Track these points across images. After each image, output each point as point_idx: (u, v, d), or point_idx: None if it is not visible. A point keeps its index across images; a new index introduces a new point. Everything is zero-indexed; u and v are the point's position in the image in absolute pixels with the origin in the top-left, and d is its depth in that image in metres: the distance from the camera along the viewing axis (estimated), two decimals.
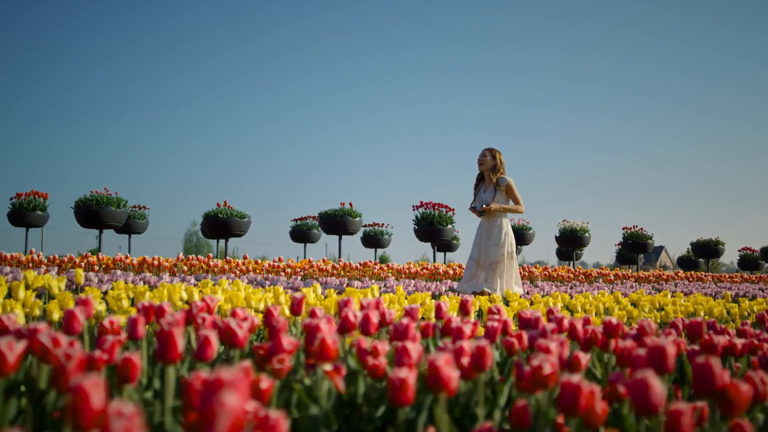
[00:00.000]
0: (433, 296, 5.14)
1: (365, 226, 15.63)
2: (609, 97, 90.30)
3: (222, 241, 13.93)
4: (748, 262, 18.30)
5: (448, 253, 16.28)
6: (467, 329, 1.59)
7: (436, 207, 11.44)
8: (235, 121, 76.28)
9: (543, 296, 4.72)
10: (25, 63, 67.47)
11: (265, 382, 1.12)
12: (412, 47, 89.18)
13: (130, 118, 70.05)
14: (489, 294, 4.71)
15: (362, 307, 1.80)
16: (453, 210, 11.64)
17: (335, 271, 7.53)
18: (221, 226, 9.62)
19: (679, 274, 11.47)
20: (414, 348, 1.25)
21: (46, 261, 7.25)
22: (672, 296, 4.83)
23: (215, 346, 1.28)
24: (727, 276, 10.86)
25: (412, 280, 6.49)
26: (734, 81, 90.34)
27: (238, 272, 6.98)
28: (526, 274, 9.50)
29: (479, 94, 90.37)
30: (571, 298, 4.10)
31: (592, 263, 51.78)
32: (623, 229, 14.19)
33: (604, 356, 1.80)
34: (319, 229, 12.01)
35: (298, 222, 14.77)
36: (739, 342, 1.72)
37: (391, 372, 1.13)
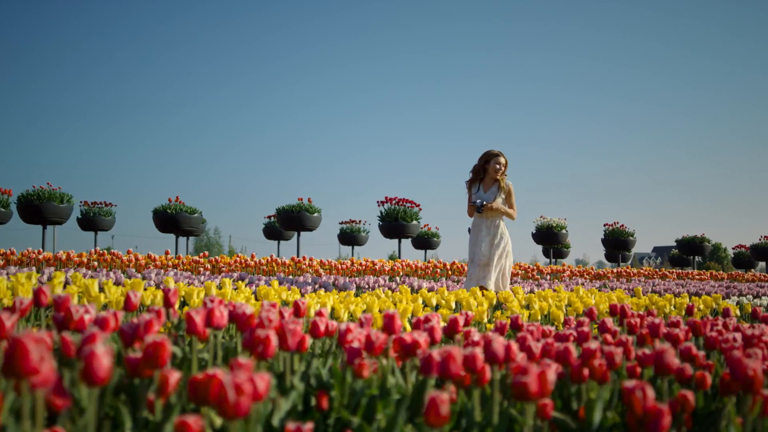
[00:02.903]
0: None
1: (342, 223, 15.31)
2: (602, 100, 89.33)
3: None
4: (742, 260, 17.77)
5: (429, 251, 15.84)
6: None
7: (402, 203, 11.09)
8: (237, 120, 76.20)
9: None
10: (25, 63, 67.73)
11: None
12: (406, 52, 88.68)
13: (130, 118, 70.08)
14: (485, 289, 4.81)
15: None
16: (419, 206, 11.28)
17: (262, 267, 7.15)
18: (170, 221, 9.31)
19: (670, 272, 11.04)
20: None
21: None
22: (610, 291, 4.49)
23: None
24: (695, 273, 10.42)
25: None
26: (730, 83, 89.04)
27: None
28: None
29: (467, 97, 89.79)
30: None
31: (595, 261, 51.11)
32: (604, 225, 13.76)
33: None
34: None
35: (272, 219, 14.48)
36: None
37: None
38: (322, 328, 1.70)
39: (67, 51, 70.26)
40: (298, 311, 2.05)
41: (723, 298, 6.71)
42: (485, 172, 5.32)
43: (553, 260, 16.19)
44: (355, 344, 1.41)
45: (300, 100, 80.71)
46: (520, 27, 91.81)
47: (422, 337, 1.45)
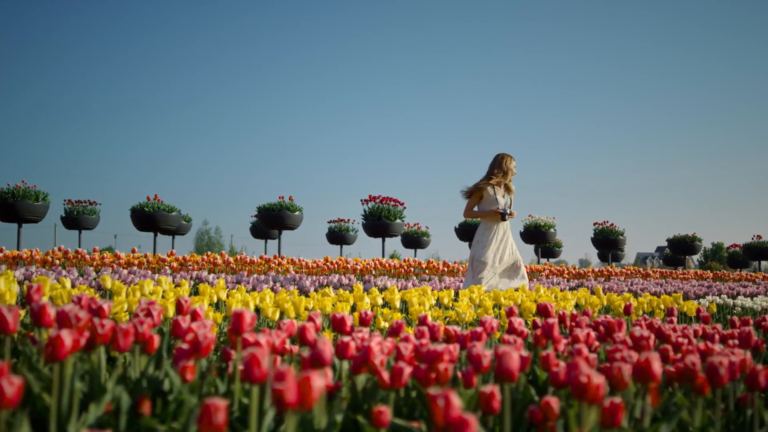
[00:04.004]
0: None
1: (331, 222, 15.20)
2: (602, 101, 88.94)
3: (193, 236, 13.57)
4: (737, 259, 17.59)
5: (419, 251, 15.70)
6: None
7: (386, 201, 10.96)
8: (237, 121, 76.11)
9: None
10: (25, 63, 67.77)
11: None
12: (408, 53, 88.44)
13: (130, 118, 70.02)
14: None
15: None
16: (404, 204, 11.16)
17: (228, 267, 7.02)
18: (148, 219, 9.20)
19: (654, 272, 10.89)
20: None
21: None
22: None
23: None
24: (679, 273, 10.26)
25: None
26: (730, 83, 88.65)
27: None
28: None
29: (457, 98, 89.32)
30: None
31: (596, 262, 50.83)
32: (594, 224, 13.61)
33: None
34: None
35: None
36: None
37: None
38: (184, 326, 1.59)
39: (62, 52, 70.28)
40: (180, 310, 1.94)
41: (698, 298, 6.58)
42: (504, 176, 5.28)
43: (546, 260, 16.06)
44: (185, 346, 1.30)
45: (300, 100, 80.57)
46: (507, 28, 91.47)
47: (263, 339, 1.33)
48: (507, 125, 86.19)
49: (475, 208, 5.36)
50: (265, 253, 12.92)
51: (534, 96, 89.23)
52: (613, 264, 13.94)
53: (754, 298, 5.88)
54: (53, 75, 68.48)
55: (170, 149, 71.06)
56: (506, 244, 5.25)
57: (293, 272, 6.74)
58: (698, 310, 2.80)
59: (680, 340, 1.93)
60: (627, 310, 2.71)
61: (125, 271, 4.73)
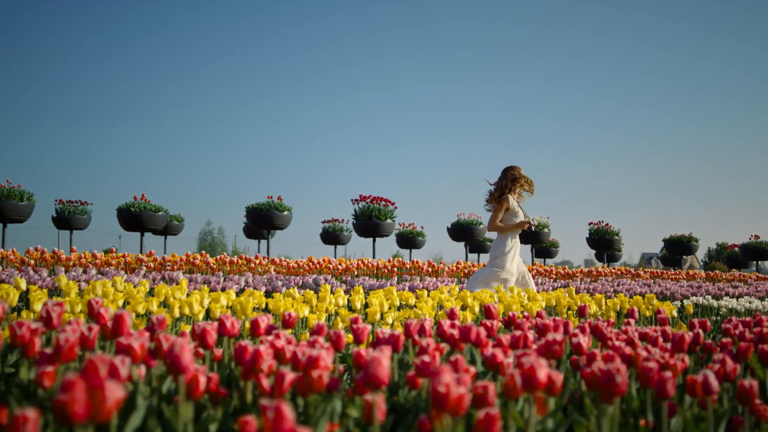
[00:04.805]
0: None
1: (325, 222, 15.12)
2: (601, 102, 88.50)
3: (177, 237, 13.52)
4: (735, 259, 17.43)
5: (414, 251, 15.58)
6: None
7: (377, 201, 10.88)
8: (242, 119, 76.17)
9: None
10: (25, 63, 67.88)
11: None
12: (402, 54, 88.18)
13: (130, 117, 70.06)
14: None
15: None
16: (394, 204, 11.08)
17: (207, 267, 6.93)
18: (134, 219, 9.14)
19: (645, 272, 10.76)
20: None
21: None
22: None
23: None
24: (670, 273, 10.13)
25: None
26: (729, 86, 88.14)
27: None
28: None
29: (451, 99, 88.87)
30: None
31: (591, 263, 50.61)
32: (589, 224, 13.48)
33: None
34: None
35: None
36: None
37: None
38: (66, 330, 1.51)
39: (62, 51, 70.45)
40: (91, 311, 1.86)
41: (685, 298, 6.47)
42: (521, 186, 5.31)
43: (542, 260, 15.94)
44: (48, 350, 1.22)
45: (299, 100, 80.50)
46: (497, 29, 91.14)
47: (137, 343, 1.25)
48: (502, 126, 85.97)
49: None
50: (259, 253, 12.87)
51: (530, 96, 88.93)
52: (604, 264, 13.80)
53: (739, 299, 5.77)
54: (52, 76, 68.67)
55: (171, 149, 71.14)
56: (518, 255, 5.32)
57: (273, 272, 6.67)
58: (657, 311, 2.69)
59: (617, 343, 1.85)
60: (581, 312, 2.62)
61: (94, 271, 4.66)
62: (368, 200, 10.90)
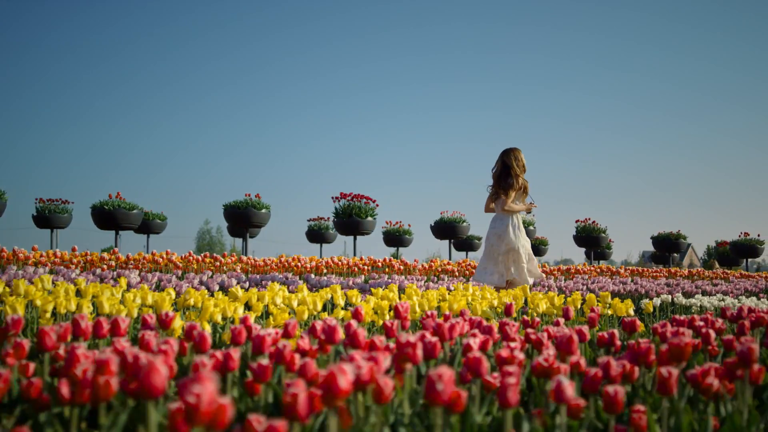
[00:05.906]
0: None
1: (310, 220, 15.00)
2: (602, 103, 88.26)
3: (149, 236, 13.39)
4: (726, 257, 17.28)
5: (402, 248, 15.44)
6: None
7: (357, 198, 10.75)
8: (242, 119, 75.99)
9: None
10: (25, 63, 67.72)
11: None
12: (391, 55, 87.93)
13: (131, 117, 69.88)
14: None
15: None
16: (375, 201, 10.95)
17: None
18: (108, 217, 9.02)
19: (625, 270, 10.64)
20: None
21: None
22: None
23: None
24: (651, 271, 9.99)
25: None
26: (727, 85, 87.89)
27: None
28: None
29: (443, 98, 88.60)
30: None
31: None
32: (576, 221, 13.35)
33: None
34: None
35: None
36: None
37: None
38: None
39: (72, 49, 70.31)
40: None
41: (658, 296, 6.33)
42: (524, 170, 5.42)
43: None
44: None
45: (299, 100, 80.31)
46: (489, 30, 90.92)
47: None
48: (490, 125, 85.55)
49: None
50: (244, 252, 12.74)
51: (518, 96, 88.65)
52: (585, 263, 13.67)
53: (710, 297, 5.64)
54: (52, 76, 68.49)
55: (169, 149, 70.93)
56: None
57: (239, 271, 6.54)
58: (592, 309, 2.57)
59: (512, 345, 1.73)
60: (507, 311, 2.49)
61: (41, 270, 4.54)
62: (349, 198, 10.77)
